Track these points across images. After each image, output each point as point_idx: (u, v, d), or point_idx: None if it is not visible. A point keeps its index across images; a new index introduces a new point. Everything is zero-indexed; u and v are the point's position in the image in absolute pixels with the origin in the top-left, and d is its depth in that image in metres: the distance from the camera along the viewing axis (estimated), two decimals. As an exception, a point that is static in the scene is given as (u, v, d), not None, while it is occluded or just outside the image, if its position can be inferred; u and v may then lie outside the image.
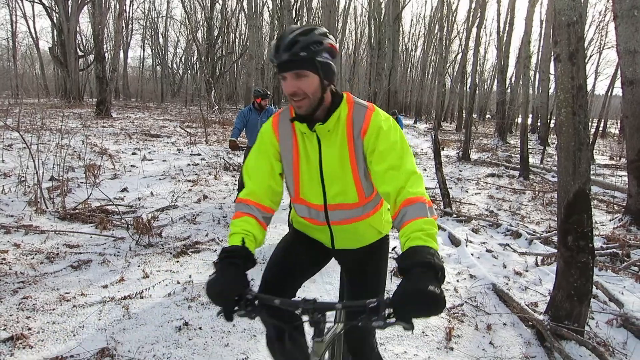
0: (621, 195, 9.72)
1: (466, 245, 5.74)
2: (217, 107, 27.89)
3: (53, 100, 30.22)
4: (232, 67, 44.37)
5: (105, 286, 4.03)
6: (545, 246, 5.97)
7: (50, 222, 5.66)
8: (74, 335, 3.20)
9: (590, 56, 32.91)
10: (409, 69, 48.65)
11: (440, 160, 7.75)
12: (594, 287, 4.11)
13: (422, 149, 17.99)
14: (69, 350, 3.01)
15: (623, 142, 22.13)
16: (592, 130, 18.30)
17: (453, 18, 34.23)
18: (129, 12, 42.29)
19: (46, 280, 4.04)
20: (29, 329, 3.23)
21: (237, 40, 45.50)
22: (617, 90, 27.76)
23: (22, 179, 7.02)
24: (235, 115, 28.89)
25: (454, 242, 5.97)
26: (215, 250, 5.15)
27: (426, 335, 3.56)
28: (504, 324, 3.81)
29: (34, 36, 38.28)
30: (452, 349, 3.39)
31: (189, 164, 10.35)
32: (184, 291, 4.02)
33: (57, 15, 29.85)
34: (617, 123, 42.05)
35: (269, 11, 36.98)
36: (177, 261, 4.74)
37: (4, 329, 3.19)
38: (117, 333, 3.27)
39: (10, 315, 3.39)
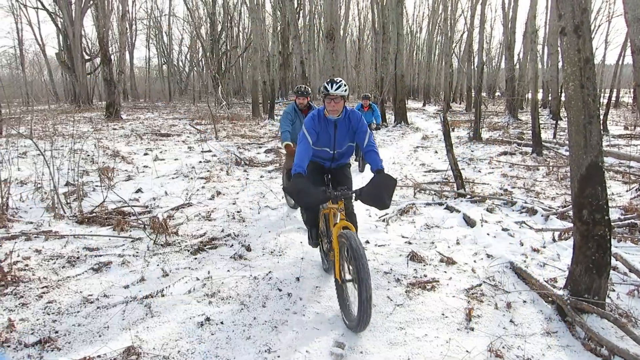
0: (637, 165, 9.60)
1: (482, 226, 5.73)
2: (225, 102, 27.96)
3: (63, 105, 30.49)
4: (238, 62, 44.32)
5: (127, 286, 4.10)
6: (562, 221, 5.93)
7: (68, 226, 5.75)
8: (100, 336, 3.27)
9: (599, 26, 32.38)
10: (414, 52, 48.22)
11: (450, 141, 7.70)
12: (613, 258, 4.09)
13: (432, 132, 17.89)
14: (96, 351, 3.08)
15: (637, 111, 21.77)
16: (605, 101, 18.03)
17: (457, -3, 33.80)
18: (132, 13, 42.39)
19: (69, 284, 4.12)
20: (56, 332, 3.30)
21: (240, 34, 45.43)
22: (628, 59, 27.24)
23: (39, 185, 7.13)
24: (246, 110, 28.74)
25: (469, 222, 5.96)
26: (232, 245, 5.20)
27: (446, 317, 3.58)
28: (524, 302, 3.82)
29: (40, 43, 38.58)
30: (472, 329, 3.41)
31: (200, 161, 10.42)
32: (204, 287, 4.08)
33: (62, 21, 30.03)
34: (630, 92, 41.34)
35: (270, 2, 36.84)
36: (195, 258, 4.80)
37: (32, 333, 3.27)
38: (141, 332, 3.33)
39: (37, 320, 3.47)
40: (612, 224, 3.87)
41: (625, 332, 3.14)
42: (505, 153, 12.04)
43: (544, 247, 5.14)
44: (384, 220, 6.17)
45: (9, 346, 3.11)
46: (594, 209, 3.36)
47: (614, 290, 3.95)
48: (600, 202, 3.36)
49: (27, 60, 43.80)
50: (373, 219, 6.28)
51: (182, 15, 62.78)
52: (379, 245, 5.23)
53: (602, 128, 3.49)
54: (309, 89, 6.24)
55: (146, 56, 52.89)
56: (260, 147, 12.82)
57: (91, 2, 27.40)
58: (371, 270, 4.43)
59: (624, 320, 3.31)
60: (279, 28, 33.86)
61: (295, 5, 29.25)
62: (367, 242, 5.32)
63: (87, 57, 31.96)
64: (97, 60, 31.53)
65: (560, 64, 21.29)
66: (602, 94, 23.36)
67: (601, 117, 3.89)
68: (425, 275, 4.37)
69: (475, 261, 4.75)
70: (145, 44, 50.96)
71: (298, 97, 6.33)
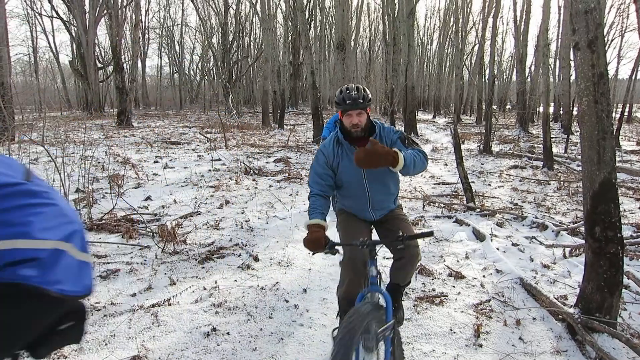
0: (650, 181, 9.49)
1: (491, 240, 5.68)
2: (235, 111, 28.11)
3: (75, 112, 30.81)
4: (248, 71, 44.60)
5: (134, 295, 4.10)
6: (572, 237, 5.87)
7: (77, 233, 5.76)
8: (106, 344, 3.26)
9: (612, 40, 32.17)
10: (425, 64, 48.20)
11: (460, 154, 7.67)
12: (625, 277, 4.03)
13: (442, 144, 17.83)
14: (102, 359, 3.07)
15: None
16: (617, 116, 17.90)
17: (468, 9, 33.85)
18: (145, 22, 42.92)
19: (76, 291, 4.11)
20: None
21: (252, 44, 45.75)
22: (641, 74, 26.98)
23: (49, 192, 7.16)
24: (256, 119, 29.06)
25: (479, 237, 5.91)
26: (240, 255, 5.19)
27: (454, 332, 3.53)
28: (534, 319, 3.76)
29: (54, 50, 39.15)
30: (480, 345, 3.36)
31: (209, 170, 10.44)
32: (211, 297, 4.06)
33: (76, 29, 30.45)
34: (642, 107, 41.05)
35: (282, 13, 37.13)
36: (203, 267, 4.79)
37: (38, 341, 3.27)
38: (147, 341, 3.32)
39: (44, 327, 3.47)
40: (625, 241, 3.82)
41: (637, 353, 3.08)
42: (515, 167, 11.96)
43: (555, 263, 5.08)
44: (392, 233, 6.13)
45: (15, 353, 3.11)
46: (607, 226, 3.32)
47: (625, 310, 3.89)
48: (613, 219, 3.31)
49: (41, 68, 44.35)
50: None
51: (194, 25, 63.41)
52: (387, 258, 5.19)
53: (615, 143, 3.46)
54: (368, 93, 2.87)
55: (158, 65, 53.32)
56: (269, 157, 12.84)
57: (105, 11, 27.72)
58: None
59: (636, 340, 3.25)
60: (290, 38, 34.11)
61: (307, 16, 29.45)
62: (375, 254, 5.29)
63: (99, 65, 32.33)
64: (110, 68, 31.89)
65: (572, 78, 21.20)
66: (614, 109, 23.21)
67: (614, 132, 3.86)
68: (434, 290, 4.33)
69: (484, 276, 4.70)
70: (157, 52, 51.48)
71: (346, 112, 2.86)
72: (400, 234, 2.62)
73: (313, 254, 2.96)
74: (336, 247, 2.62)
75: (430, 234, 2.48)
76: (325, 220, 2.79)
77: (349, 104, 2.79)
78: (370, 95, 2.85)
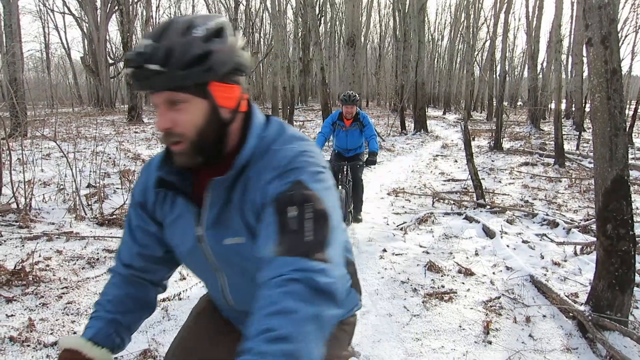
0: (663, 178, 9.38)
1: (501, 237, 5.65)
2: (245, 107, 28.14)
3: (86, 108, 31.06)
4: (258, 67, 44.64)
5: (145, 289, 4.12)
6: (584, 235, 5.82)
7: (89, 228, 5.82)
8: (117, 338, 3.29)
9: (626, 36, 31.81)
10: (436, 60, 47.95)
11: (471, 151, 7.63)
12: (636, 275, 3.99)
13: (452, 140, 17.76)
14: (113, 353, 3.10)
15: (663, 123, 21.25)
16: (630, 113, 17.69)
17: (480, 5, 33.65)
18: (156, 18, 43.01)
19: (88, 285, 4.17)
20: (75, 333, 3.34)
21: (261, 39, 45.79)
22: (655, 70, 26.63)
23: (61, 187, 7.24)
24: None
25: (489, 234, 5.88)
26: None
27: (463, 329, 3.53)
28: (544, 316, 3.75)
29: (66, 47, 39.44)
30: (490, 342, 3.35)
31: (220, 166, 10.47)
32: (221, 292, 4.08)
33: (87, 25, 30.68)
34: (656, 104, 40.41)
35: (292, 9, 37.11)
36: (213, 262, 4.81)
37: (51, 334, 3.31)
38: (158, 335, 3.35)
39: (57, 320, 3.51)
40: (637, 239, 3.78)
41: (649, 350, 3.06)
42: (526, 164, 11.88)
43: (565, 260, 5.05)
44: (402, 229, 6.12)
45: (28, 345, 3.15)
46: (619, 224, 3.29)
47: (637, 308, 3.86)
48: (625, 216, 3.29)
49: (53, 64, 44.77)
50: (391, 228, 6.24)
51: (205, 21, 63.48)
52: (396, 254, 5.19)
53: (627, 140, 3.44)
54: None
55: (169, 61, 53.39)
56: (279, 153, 12.85)
57: (116, 7, 27.88)
58: (388, 279, 4.42)
59: (648, 338, 3.23)
60: (300, 34, 34.08)
61: (317, 12, 29.41)
62: (385, 250, 5.28)
63: (111, 61, 32.53)
64: (121, 65, 32.05)
65: (584, 74, 20.99)
66: (627, 106, 22.95)
67: (627, 129, 3.83)
68: (443, 286, 4.32)
69: (494, 273, 4.69)
70: (168, 48, 51.56)
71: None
72: None
73: None
74: None
75: None
76: (113, 349, 1.31)
77: None
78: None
